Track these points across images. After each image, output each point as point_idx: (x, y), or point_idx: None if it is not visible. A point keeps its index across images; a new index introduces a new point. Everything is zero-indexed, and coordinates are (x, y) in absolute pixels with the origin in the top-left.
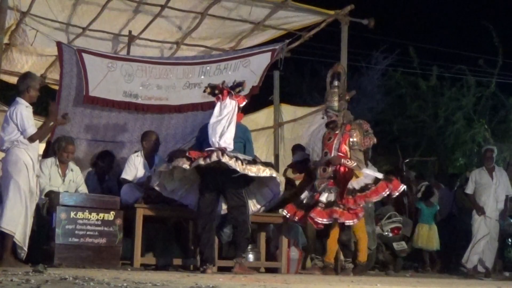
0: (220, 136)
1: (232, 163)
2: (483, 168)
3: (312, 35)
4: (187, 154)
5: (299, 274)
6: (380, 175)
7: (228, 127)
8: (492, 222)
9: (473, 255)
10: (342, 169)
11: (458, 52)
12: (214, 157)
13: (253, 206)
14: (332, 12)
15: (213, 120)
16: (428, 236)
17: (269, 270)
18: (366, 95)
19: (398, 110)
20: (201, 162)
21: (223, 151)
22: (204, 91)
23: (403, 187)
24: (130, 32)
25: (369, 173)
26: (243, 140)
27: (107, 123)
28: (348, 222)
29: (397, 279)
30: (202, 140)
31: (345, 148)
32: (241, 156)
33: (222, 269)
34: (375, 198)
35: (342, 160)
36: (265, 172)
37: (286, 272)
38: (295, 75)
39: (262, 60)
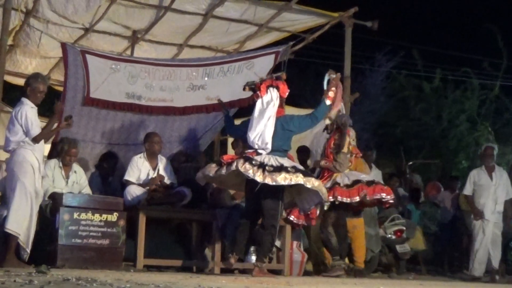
0: (260, 135)
1: (250, 172)
2: (482, 167)
3: (316, 37)
4: (220, 158)
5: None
6: (362, 178)
7: (266, 128)
8: (490, 225)
9: (477, 264)
10: (326, 172)
11: (462, 55)
12: (233, 167)
13: (307, 204)
14: (336, 15)
15: (255, 114)
16: (414, 238)
17: (272, 272)
18: (369, 97)
19: (402, 112)
20: (223, 171)
21: (248, 157)
22: (244, 89)
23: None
24: (134, 33)
25: (345, 176)
26: (287, 134)
27: (113, 125)
28: (298, 221)
29: (400, 281)
30: (242, 134)
31: (330, 151)
32: (272, 161)
33: (225, 271)
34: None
35: (321, 162)
36: (288, 181)
37: (289, 274)
38: (298, 77)
39: (266, 62)
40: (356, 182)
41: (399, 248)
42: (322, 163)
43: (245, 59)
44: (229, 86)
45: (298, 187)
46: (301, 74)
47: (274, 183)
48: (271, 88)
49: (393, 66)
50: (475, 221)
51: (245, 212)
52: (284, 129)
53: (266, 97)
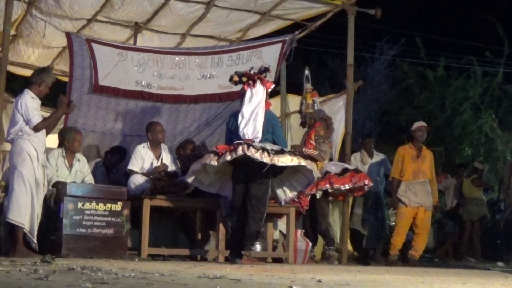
0: (248, 126)
1: (258, 155)
2: None
3: (319, 25)
4: (214, 149)
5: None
6: (348, 166)
7: (257, 116)
8: None
9: None
10: None
11: (465, 43)
12: (239, 151)
13: (290, 193)
14: (338, 2)
15: (243, 108)
16: None
17: (276, 261)
18: (373, 85)
19: (405, 100)
20: (228, 157)
21: (249, 144)
22: (231, 80)
23: (368, 182)
24: (136, 23)
25: (332, 166)
26: (270, 129)
27: (124, 115)
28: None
29: (404, 268)
30: (232, 129)
31: (311, 142)
32: (268, 146)
33: (229, 260)
34: (337, 186)
35: (304, 149)
36: (294, 161)
37: (293, 262)
38: (301, 65)
39: (273, 51)
40: (345, 170)
41: None
42: (306, 150)
43: (253, 48)
44: None
45: (281, 176)
46: (303, 62)
47: (281, 164)
48: (258, 80)
49: (397, 54)
50: None
51: (234, 208)
52: (269, 124)
53: (255, 89)
